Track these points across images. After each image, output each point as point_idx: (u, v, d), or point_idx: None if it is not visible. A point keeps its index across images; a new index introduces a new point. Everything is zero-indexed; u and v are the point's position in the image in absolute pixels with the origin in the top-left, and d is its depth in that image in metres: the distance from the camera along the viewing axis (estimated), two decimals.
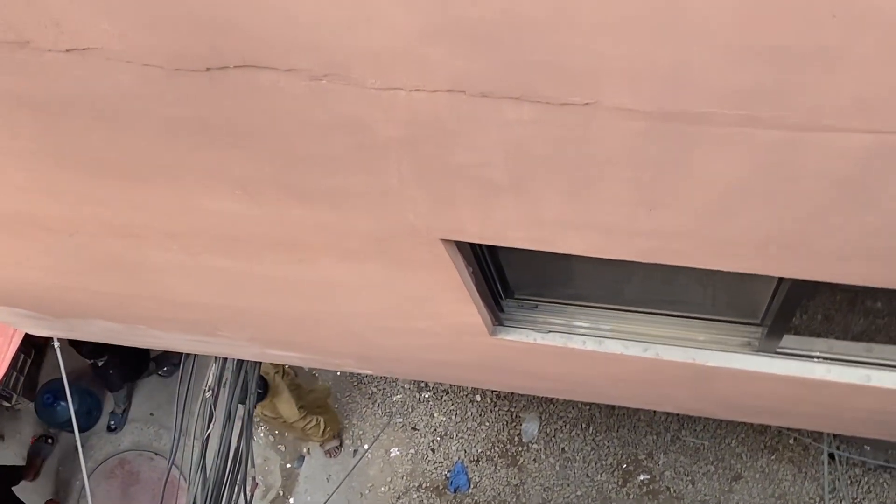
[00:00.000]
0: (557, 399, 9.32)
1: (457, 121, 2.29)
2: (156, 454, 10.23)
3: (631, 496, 9.22)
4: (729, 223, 2.59)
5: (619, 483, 9.27)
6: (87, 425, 10.14)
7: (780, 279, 3.38)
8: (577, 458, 9.40)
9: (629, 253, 2.93)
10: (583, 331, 4.16)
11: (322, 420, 9.15)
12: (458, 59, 2.05)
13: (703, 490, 9.07)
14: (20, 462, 10.23)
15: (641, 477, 9.24)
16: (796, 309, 3.61)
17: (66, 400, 7.74)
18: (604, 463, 9.35)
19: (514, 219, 2.79)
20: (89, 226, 3.62)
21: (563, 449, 9.44)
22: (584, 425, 9.44)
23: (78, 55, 2.31)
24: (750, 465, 9.04)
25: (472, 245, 3.35)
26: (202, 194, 3.07)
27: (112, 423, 10.36)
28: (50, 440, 10.33)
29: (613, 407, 9.27)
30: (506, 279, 3.98)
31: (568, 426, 9.48)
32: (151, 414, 10.38)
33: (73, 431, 7.33)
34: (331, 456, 9.69)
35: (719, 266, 2.93)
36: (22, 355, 9.70)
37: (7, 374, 7.93)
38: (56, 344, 6.69)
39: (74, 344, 8.88)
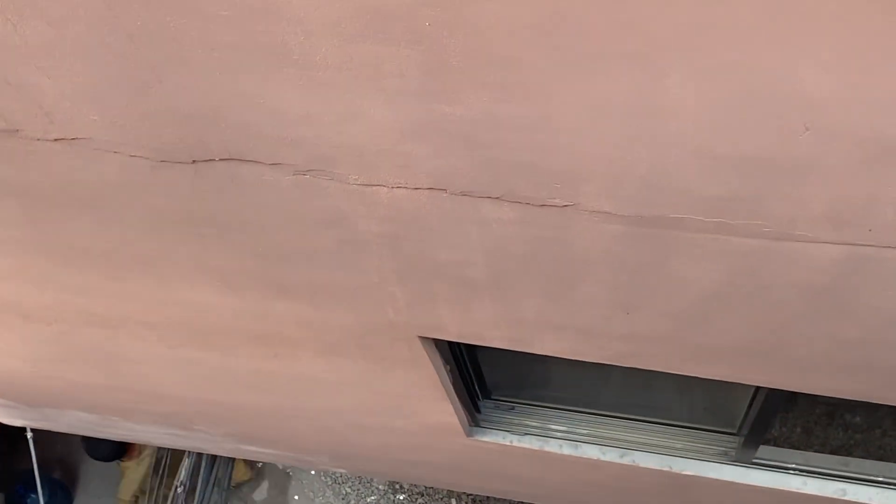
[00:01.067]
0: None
1: (438, 218, 2.32)
2: None
3: None
4: (704, 329, 2.61)
5: None
6: None
7: (757, 388, 3.39)
8: None
9: (606, 356, 2.95)
10: (559, 434, 4.15)
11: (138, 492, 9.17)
12: (440, 158, 2.09)
13: None
14: None
15: None
16: (773, 419, 3.62)
17: (36, 492, 7.63)
18: None
19: (493, 318, 2.81)
20: (69, 315, 3.62)
21: None
22: None
23: (66, 144, 2.34)
24: None
25: (450, 343, 3.35)
26: (183, 286, 3.08)
27: None
28: None
29: None
30: (483, 379, 3.98)
31: None
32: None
33: None
34: None
35: (694, 372, 2.94)
36: None
37: None
38: (29, 434, 6.62)
39: None
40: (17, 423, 6.23)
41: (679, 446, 4.07)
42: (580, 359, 2.99)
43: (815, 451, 3.96)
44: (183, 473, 6.69)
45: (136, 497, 9.46)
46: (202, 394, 4.35)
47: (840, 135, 1.77)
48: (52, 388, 4.84)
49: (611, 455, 4.10)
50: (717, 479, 4.02)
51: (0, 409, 5.83)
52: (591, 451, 4.12)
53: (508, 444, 4.17)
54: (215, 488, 6.76)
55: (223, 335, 3.47)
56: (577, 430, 4.14)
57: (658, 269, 2.35)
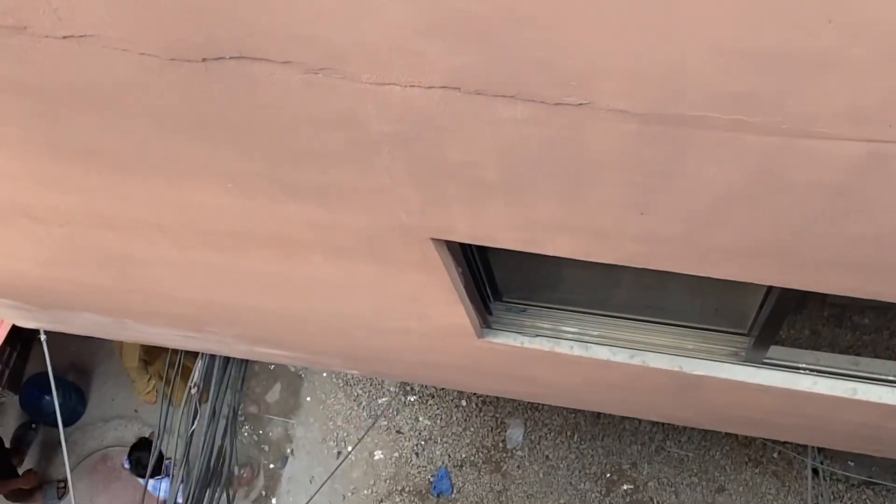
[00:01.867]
0: (543, 406, 9.33)
1: (451, 118, 2.29)
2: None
3: None
4: (719, 229, 2.59)
5: (603, 492, 9.26)
6: (71, 419, 10.10)
7: (769, 289, 3.39)
8: (561, 465, 9.39)
9: (619, 257, 2.94)
10: (570, 336, 4.16)
11: (153, 383, 9.37)
12: (455, 55, 2.06)
13: (686, 501, 9.07)
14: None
15: (625, 487, 9.24)
16: (784, 320, 3.62)
17: (51, 394, 7.71)
18: (587, 472, 9.34)
19: (505, 220, 2.79)
20: (79, 217, 3.61)
21: (547, 456, 9.43)
22: (568, 433, 9.43)
23: (75, 42, 2.31)
24: (734, 477, 9.05)
25: (462, 245, 3.35)
26: (193, 187, 3.07)
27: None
28: (34, 426, 10.29)
29: (599, 415, 9.27)
30: (495, 281, 3.99)
31: (553, 434, 9.48)
32: (136, 410, 10.35)
33: (57, 425, 7.29)
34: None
35: (708, 272, 2.93)
36: (8, 348, 9.66)
37: None
38: (43, 337, 6.67)
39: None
40: (31, 325, 6.27)
41: (690, 347, 4.08)
42: (593, 260, 2.98)
43: (825, 351, 3.97)
44: (196, 375, 6.74)
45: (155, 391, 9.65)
46: (214, 296, 4.36)
47: (864, 27, 1.73)
48: (63, 290, 4.85)
49: (621, 356, 4.12)
50: (727, 379, 4.04)
51: (13, 312, 5.86)
52: (601, 353, 4.14)
53: (519, 345, 4.18)
54: (228, 390, 6.81)
55: (234, 237, 3.47)
56: (588, 332, 4.15)
57: (673, 169, 2.33)
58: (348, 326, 4.46)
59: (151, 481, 8.54)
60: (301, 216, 3.10)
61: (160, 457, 8.60)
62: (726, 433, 8.97)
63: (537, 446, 9.49)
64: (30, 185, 3.36)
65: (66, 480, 9.29)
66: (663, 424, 9.11)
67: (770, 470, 9.01)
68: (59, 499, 10.19)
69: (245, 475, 9.59)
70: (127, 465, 9.20)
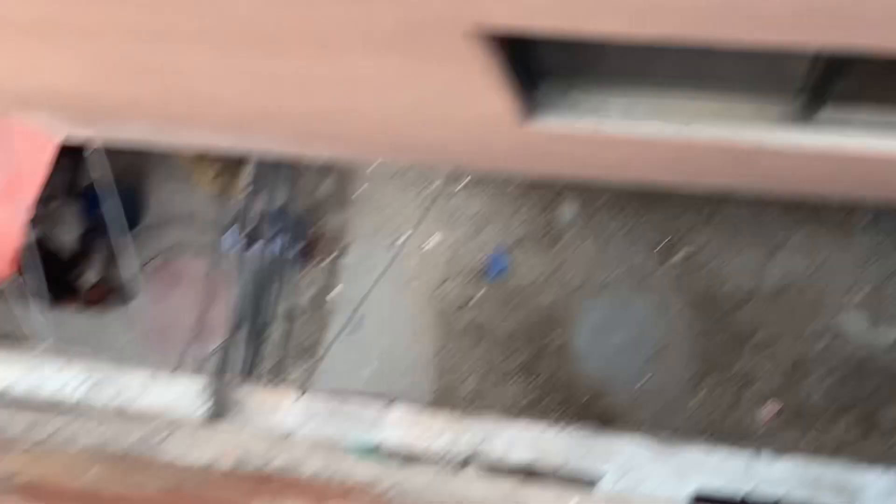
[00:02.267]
0: (594, 181, 9.31)
1: None
2: (200, 250, 10.37)
3: (671, 272, 9.30)
4: None
5: (659, 261, 9.34)
6: (131, 225, 10.25)
7: (819, 50, 3.30)
8: (616, 238, 9.45)
9: (661, 29, 2.87)
10: (617, 113, 4.10)
11: (217, 172, 9.41)
12: None
13: (743, 262, 9.12)
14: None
15: (682, 253, 9.30)
16: (835, 79, 3.54)
17: (108, 202, 7.83)
18: (642, 242, 9.40)
19: (544, 2, 2.72)
20: (119, 29, 3.58)
21: (601, 230, 9.48)
22: (621, 206, 9.45)
23: None
24: (791, 235, 9.05)
25: (502, 31, 3.28)
26: None
27: None
28: (97, 233, 10.48)
29: (652, 184, 9.25)
30: (537, 65, 3.92)
31: (606, 207, 9.49)
32: (193, 211, 10.48)
33: (118, 231, 7.44)
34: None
35: (758, 37, 2.86)
36: (62, 160, 9.75)
37: (50, 178, 8.01)
38: (95, 146, 6.73)
39: None
40: (83, 136, 6.32)
41: (740, 113, 4.02)
42: (634, 35, 2.91)
43: (879, 105, 3.89)
44: (248, 176, 6.80)
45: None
46: (257, 100, 4.35)
47: None
48: (110, 101, 4.87)
49: (670, 129, 4.06)
50: (779, 143, 3.99)
51: (65, 125, 5.90)
52: (649, 127, 4.09)
53: (565, 126, 4.14)
54: (281, 187, 6.87)
55: (270, 38, 3.42)
56: (635, 108, 4.09)
57: None
58: (392, 118, 4.44)
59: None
60: (337, 11, 3.04)
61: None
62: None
63: (590, 221, 9.54)
64: None
65: (131, 283, 9.51)
66: (717, 190, 9.09)
67: (826, 226, 9.00)
68: (127, 303, 10.47)
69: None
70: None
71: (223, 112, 4.73)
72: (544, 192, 9.63)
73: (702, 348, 9.21)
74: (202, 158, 9.58)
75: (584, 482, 4.15)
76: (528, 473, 4.20)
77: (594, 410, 9.43)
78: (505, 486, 2.16)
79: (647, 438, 4.02)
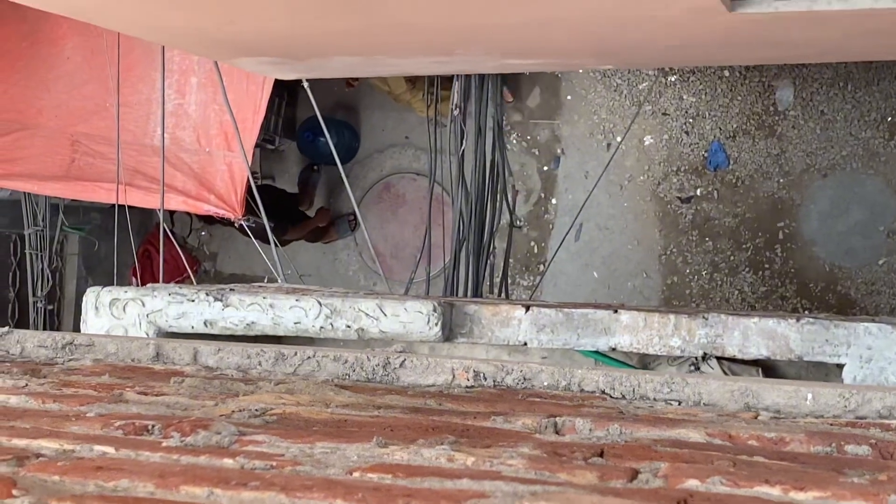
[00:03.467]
0: (810, 63, 8.98)
1: None
2: (417, 174, 10.56)
3: None
4: None
5: (886, 137, 8.97)
6: (348, 156, 10.50)
7: None
8: (839, 118, 9.11)
9: None
10: None
11: (424, 94, 9.37)
12: None
13: None
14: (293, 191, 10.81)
15: None
16: None
17: (324, 135, 8.03)
18: (867, 119, 9.03)
19: None
20: None
21: (822, 111, 9.16)
22: (841, 84, 9.09)
23: None
24: None
25: None
26: None
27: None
28: (316, 167, 10.78)
29: (871, 61, 8.86)
30: None
31: (825, 87, 9.16)
32: (406, 137, 10.66)
33: (336, 164, 7.64)
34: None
35: None
36: (276, 99, 10.05)
37: (266, 119, 8.28)
38: (305, 84, 6.90)
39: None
40: (292, 76, 6.50)
41: None
42: None
43: None
44: (456, 97, 6.84)
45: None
46: (453, 19, 4.37)
47: None
48: (313, 39, 4.99)
49: (884, 1, 3.87)
50: None
51: (273, 67, 6.08)
52: (863, 1, 3.90)
53: (774, 10, 4.00)
54: (489, 103, 6.90)
55: None
56: None
57: None
58: (593, 23, 4.39)
59: None
60: None
61: None
62: None
63: (810, 103, 9.22)
64: None
65: (354, 213, 9.76)
66: None
67: None
68: (353, 231, 10.77)
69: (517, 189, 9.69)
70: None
71: (425, 34, 4.78)
72: (760, 77, 9.35)
73: None
74: (409, 83, 9.70)
75: (824, 373, 4.07)
76: (767, 367, 4.15)
77: (831, 297, 9.21)
78: (742, 382, 2.15)
79: (888, 321, 3.90)
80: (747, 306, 9.34)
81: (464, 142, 6.97)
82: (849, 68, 9.02)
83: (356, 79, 10.21)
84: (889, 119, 8.96)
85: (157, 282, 6.81)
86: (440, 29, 4.58)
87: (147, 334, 4.33)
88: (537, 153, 10.08)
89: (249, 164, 7.38)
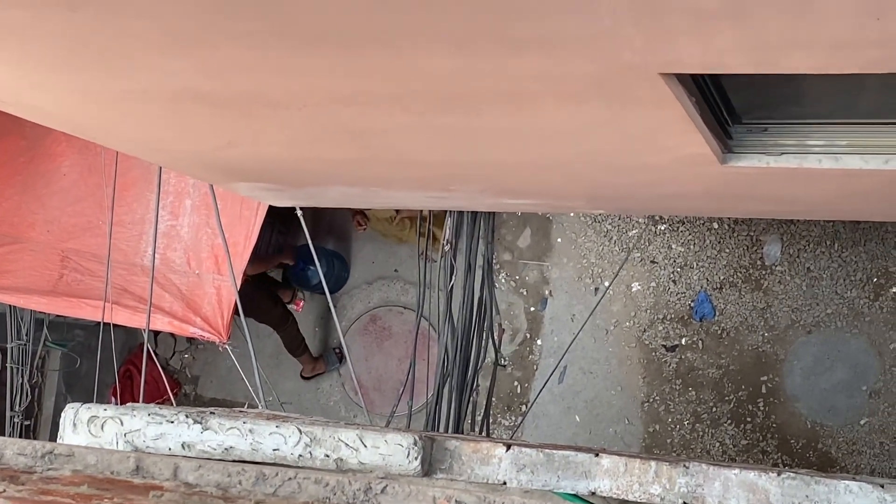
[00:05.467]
0: (799, 219, 9.11)
1: None
2: (404, 308, 10.60)
3: (885, 309, 8.99)
4: None
5: (871, 297, 9.04)
6: (336, 287, 10.55)
7: None
8: (825, 276, 9.20)
9: (859, 66, 2.82)
10: (817, 149, 4.02)
11: (408, 223, 9.47)
12: None
13: None
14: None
15: (894, 289, 8.99)
16: None
17: (314, 264, 8.08)
18: (853, 279, 9.12)
19: (733, 45, 2.71)
20: (316, 98, 3.73)
21: (808, 268, 9.25)
22: (828, 243, 9.20)
23: None
24: None
25: (692, 74, 3.27)
26: (418, 55, 3.11)
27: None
28: (302, 297, 10.83)
29: (858, 221, 8.98)
30: (731, 104, 3.88)
31: (812, 245, 9.26)
32: (396, 270, 10.72)
33: (324, 293, 7.66)
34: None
35: None
36: (268, 227, 10.14)
37: (257, 245, 8.33)
38: (299, 212, 6.97)
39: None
40: (287, 203, 6.56)
41: None
42: (830, 72, 2.87)
43: None
44: (447, 232, 6.91)
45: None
46: (454, 156, 4.44)
47: None
48: (312, 168, 5.05)
49: (874, 163, 3.95)
50: None
51: (269, 194, 6.13)
52: (852, 162, 3.98)
53: (765, 166, 4.08)
54: (480, 241, 6.96)
55: (464, 99, 3.50)
56: (836, 142, 4.00)
57: None
58: (587, 169, 4.47)
59: None
60: (527, 70, 3.10)
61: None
62: None
63: (797, 259, 9.32)
64: (266, 74, 3.48)
65: (341, 344, 9.76)
66: None
67: None
68: (340, 363, 10.75)
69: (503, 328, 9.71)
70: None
71: (423, 170, 4.85)
72: (748, 231, 9.47)
73: None
74: (401, 217, 9.81)
75: None
76: None
77: (812, 455, 9.16)
78: None
79: (869, 481, 3.88)
80: (728, 459, 9.28)
81: (453, 278, 7.01)
82: (836, 227, 9.14)
83: (366, 219, 10.34)
84: (874, 280, 9.05)
85: (137, 402, 6.75)
86: (438, 165, 4.65)
87: None
88: (525, 293, 10.13)
89: (238, 288, 7.39)
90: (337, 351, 10.67)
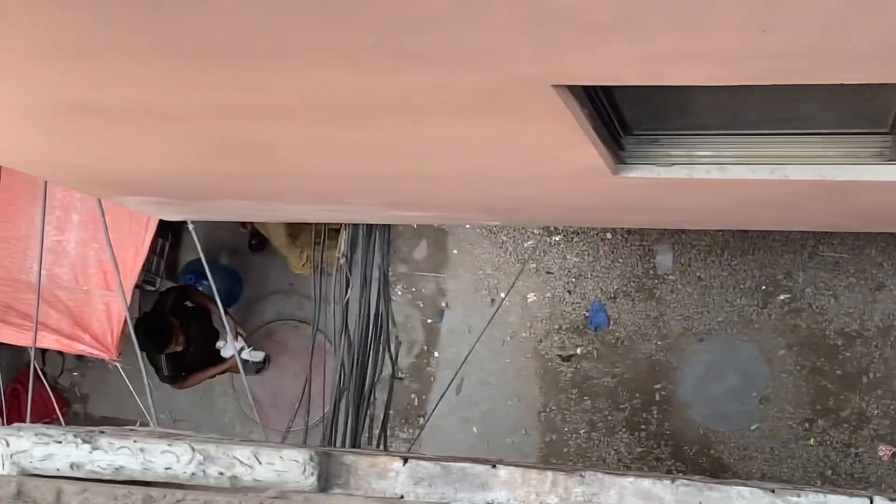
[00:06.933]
0: (689, 228, 9.25)
1: None
2: (300, 322, 10.50)
3: (773, 316, 9.17)
4: (853, 32, 2.48)
5: (760, 305, 9.21)
6: (230, 302, 10.40)
7: None
8: (715, 284, 9.35)
9: (747, 77, 2.86)
10: (706, 160, 4.09)
11: (306, 255, 9.40)
12: None
13: (845, 303, 8.96)
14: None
15: (782, 297, 9.17)
16: None
17: (207, 279, 7.95)
18: (742, 287, 9.28)
19: (623, 58, 2.74)
20: (205, 110, 3.67)
21: (699, 277, 9.39)
22: (718, 252, 9.36)
23: None
24: (892, 272, 8.88)
25: (584, 87, 3.30)
26: (311, 68, 3.08)
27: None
28: (195, 311, 10.62)
29: (747, 230, 9.16)
30: (622, 116, 3.92)
31: (702, 254, 9.41)
32: (291, 284, 10.62)
33: (218, 309, 7.56)
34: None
35: (846, 79, 2.84)
36: (160, 240, 9.97)
37: (148, 260, 8.18)
38: (190, 226, 6.87)
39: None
40: (177, 217, 6.46)
41: (831, 153, 3.97)
42: (718, 84, 2.91)
43: None
44: (342, 245, 6.88)
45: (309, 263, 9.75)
46: (349, 169, 4.41)
47: None
48: (201, 182, 4.97)
49: (761, 173, 4.03)
50: (873, 181, 3.93)
51: (158, 208, 6.04)
52: (740, 172, 4.06)
53: (656, 176, 4.13)
54: (376, 254, 6.93)
55: (359, 111, 3.48)
56: (724, 153, 4.07)
57: None
58: (482, 181, 4.47)
59: None
60: (418, 83, 3.09)
61: None
62: None
63: (688, 268, 9.45)
64: (151, 86, 3.42)
65: (234, 360, 9.62)
66: (814, 231, 8.96)
67: None
68: (231, 378, 10.56)
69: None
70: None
71: (317, 183, 4.81)
72: (641, 241, 9.58)
73: (811, 391, 9.04)
74: (289, 237, 9.71)
75: None
76: None
77: (704, 461, 9.30)
78: None
79: (760, 486, 3.93)
80: (623, 466, 9.38)
81: (349, 291, 6.97)
82: (726, 236, 9.30)
83: (262, 243, 10.24)
84: (763, 288, 9.22)
85: (24, 422, 6.57)
86: (333, 178, 4.61)
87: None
88: (422, 305, 10.11)
89: (128, 304, 7.25)
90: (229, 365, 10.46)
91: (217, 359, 9.49)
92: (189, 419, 10.49)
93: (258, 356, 9.97)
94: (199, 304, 9.51)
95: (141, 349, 7.78)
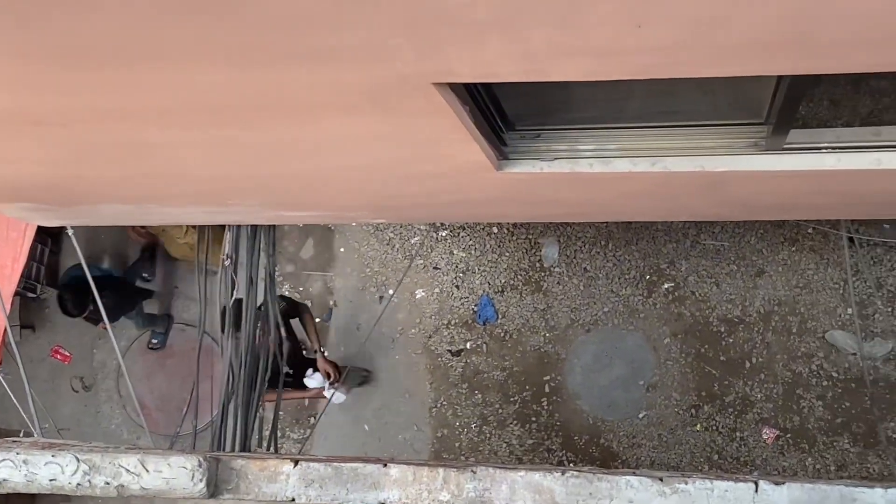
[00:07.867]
0: (574, 221, 9.36)
1: None
2: (186, 325, 10.36)
3: (658, 305, 9.32)
4: (726, 27, 2.53)
5: (645, 294, 9.36)
6: (115, 306, 10.20)
7: (781, 75, 3.34)
8: (600, 275, 9.47)
9: (625, 72, 2.89)
10: (588, 154, 4.13)
11: (195, 244, 9.34)
12: None
13: (727, 290, 9.16)
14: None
15: (666, 285, 9.33)
16: (799, 103, 3.57)
17: (89, 285, 7.78)
18: (627, 277, 9.42)
19: (503, 54, 2.75)
20: (80, 115, 3.59)
21: (585, 269, 9.50)
22: (603, 243, 9.48)
23: None
24: (771, 259, 9.10)
25: (466, 84, 3.30)
26: (189, 69, 3.03)
27: (154, 340, 10.41)
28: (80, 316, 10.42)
29: (630, 221, 9.30)
30: (505, 113, 3.95)
31: (587, 246, 9.52)
32: (176, 286, 10.48)
33: (102, 314, 7.40)
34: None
35: (720, 72, 2.89)
36: (39, 246, 9.75)
37: (27, 266, 7.98)
38: (70, 231, 6.71)
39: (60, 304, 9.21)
40: (55, 223, 6.32)
41: (709, 145, 4.05)
42: (598, 79, 2.94)
43: (845, 126, 3.93)
44: (227, 247, 6.78)
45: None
46: (232, 170, 4.36)
47: None
48: (78, 186, 4.86)
49: (642, 165, 4.09)
50: (751, 171, 4.02)
51: (36, 214, 5.89)
52: (622, 165, 4.11)
53: (539, 171, 4.16)
54: (261, 254, 6.86)
55: (240, 111, 3.44)
56: (606, 147, 4.12)
57: None
58: (368, 179, 4.46)
59: None
60: (300, 82, 3.07)
61: None
62: None
63: (574, 260, 9.56)
64: (23, 91, 3.33)
65: (121, 364, 9.45)
66: (695, 221, 9.14)
67: (806, 246, 9.06)
68: (116, 382, 10.38)
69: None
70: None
71: (200, 185, 4.74)
72: (527, 234, 9.66)
73: (696, 378, 9.22)
74: (179, 232, 9.57)
75: None
76: None
77: (594, 450, 9.41)
78: None
79: (648, 475, 4.00)
80: (515, 459, 9.45)
81: (234, 292, 6.89)
82: (610, 228, 9.43)
83: (152, 248, 10.07)
84: (647, 277, 9.37)
85: None
86: (216, 179, 4.55)
87: None
88: (310, 304, 10.05)
89: (7, 312, 7.06)
90: (117, 369, 10.29)
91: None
92: (75, 428, 10.28)
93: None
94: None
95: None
